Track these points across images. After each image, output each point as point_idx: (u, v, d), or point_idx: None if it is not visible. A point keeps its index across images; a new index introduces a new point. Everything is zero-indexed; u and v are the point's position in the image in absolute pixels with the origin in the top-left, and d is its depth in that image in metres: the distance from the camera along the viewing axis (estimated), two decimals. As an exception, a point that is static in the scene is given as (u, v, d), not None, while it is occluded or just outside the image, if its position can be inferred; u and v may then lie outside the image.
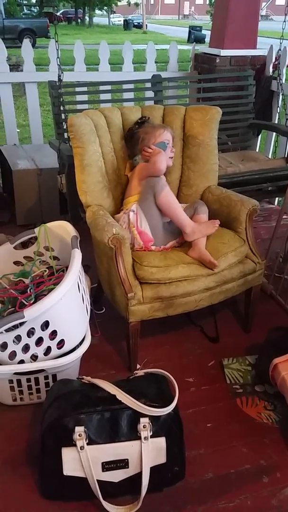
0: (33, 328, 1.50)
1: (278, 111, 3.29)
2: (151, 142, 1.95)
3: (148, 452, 1.30)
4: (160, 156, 1.86)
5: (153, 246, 1.84)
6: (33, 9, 30.36)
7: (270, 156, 3.40)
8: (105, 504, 1.30)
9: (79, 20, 32.93)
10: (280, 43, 3.08)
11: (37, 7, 29.43)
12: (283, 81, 3.19)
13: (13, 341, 1.50)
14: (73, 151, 1.87)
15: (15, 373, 1.56)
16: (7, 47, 3.14)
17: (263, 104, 3.33)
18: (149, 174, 1.86)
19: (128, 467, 1.31)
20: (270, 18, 39.67)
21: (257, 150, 3.53)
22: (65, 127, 2.62)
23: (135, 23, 32.53)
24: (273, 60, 3.31)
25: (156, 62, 3.41)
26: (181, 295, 1.75)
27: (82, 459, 1.27)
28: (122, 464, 1.30)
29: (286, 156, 3.04)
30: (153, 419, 1.31)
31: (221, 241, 1.87)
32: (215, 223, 1.88)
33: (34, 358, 1.56)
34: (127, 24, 31.31)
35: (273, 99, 3.32)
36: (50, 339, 1.54)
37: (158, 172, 1.83)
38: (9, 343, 1.50)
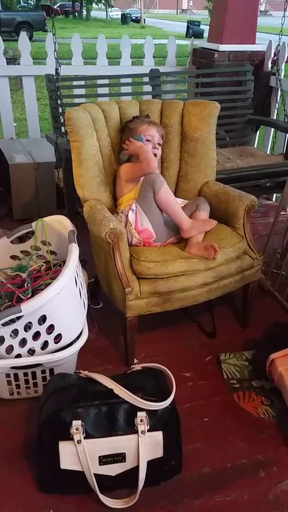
0: (30, 323, 1.50)
1: (277, 106, 3.28)
2: (133, 135, 1.94)
3: (145, 446, 1.30)
4: (149, 154, 1.84)
5: (154, 242, 1.84)
6: (30, 1, 30.08)
7: (268, 152, 3.39)
8: (102, 497, 1.30)
9: (76, 14, 32.69)
10: (279, 38, 3.07)
11: (34, 0, 29.17)
12: (282, 76, 3.19)
13: (10, 335, 1.50)
14: (70, 145, 1.86)
15: (12, 367, 1.56)
16: (3, 40, 3.12)
17: (261, 99, 3.32)
18: (142, 174, 1.84)
19: (125, 461, 1.31)
20: (269, 13, 39.49)
21: (255, 146, 3.52)
22: (62, 120, 2.61)
23: (133, 17, 32.33)
24: (272, 55, 3.30)
25: (154, 56, 3.39)
26: (179, 290, 1.75)
27: (79, 453, 1.28)
28: (119, 458, 1.31)
29: (284, 152, 3.04)
30: (150, 413, 1.31)
31: (219, 238, 1.86)
32: (212, 222, 1.88)
33: (31, 352, 1.56)
34: (125, 18, 31.12)
35: (271, 94, 3.31)
36: (47, 334, 1.54)
37: (153, 170, 1.83)
38: (6, 337, 1.50)
